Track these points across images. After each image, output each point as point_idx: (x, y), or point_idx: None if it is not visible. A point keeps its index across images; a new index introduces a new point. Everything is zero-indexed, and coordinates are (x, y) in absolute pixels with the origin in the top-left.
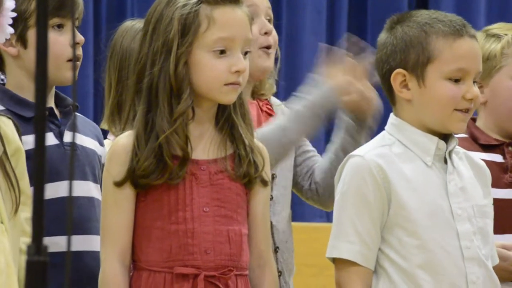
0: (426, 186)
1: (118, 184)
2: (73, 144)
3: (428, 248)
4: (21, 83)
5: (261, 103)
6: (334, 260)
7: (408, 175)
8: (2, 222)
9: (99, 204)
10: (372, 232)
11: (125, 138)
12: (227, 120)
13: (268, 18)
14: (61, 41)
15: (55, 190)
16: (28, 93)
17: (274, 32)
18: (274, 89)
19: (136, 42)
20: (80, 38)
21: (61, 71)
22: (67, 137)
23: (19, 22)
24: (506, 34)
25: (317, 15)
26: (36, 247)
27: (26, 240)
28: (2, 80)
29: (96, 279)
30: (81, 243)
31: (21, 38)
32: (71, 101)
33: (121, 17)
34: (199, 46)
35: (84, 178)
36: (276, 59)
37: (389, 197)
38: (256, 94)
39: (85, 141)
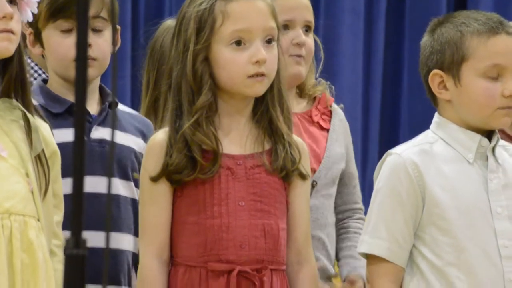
0: (464, 184)
1: (154, 180)
2: (112, 144)
3: (462, 246)
4: (51, 79)
5: (315, 111)
6: (366, 256)
7: (447, 173)
8: (39, 220)
9: (125, 201)
10: (404, 230)
11: (161, 134)
12: (265, 113)
13: (306, 28)
14: (65, 43)
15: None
16: (56, 89)
17: (308, 43)
18: (323, 88)
19: None
20: (92, 40)
21: (69, 71)
22: (96, 133)
23: (32, 25)
24: None
25: (355, 17)
26: (75, 241)
27: (56, 242)
28: (47, 76)
29: (114, 276)
30: (101, 240)
31: (39, 40)
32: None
33: (159, 17)
34: (217, 41)
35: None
36: (318, 61)
37: (423, 195)
38: (304, 94)
39: (118, 136)
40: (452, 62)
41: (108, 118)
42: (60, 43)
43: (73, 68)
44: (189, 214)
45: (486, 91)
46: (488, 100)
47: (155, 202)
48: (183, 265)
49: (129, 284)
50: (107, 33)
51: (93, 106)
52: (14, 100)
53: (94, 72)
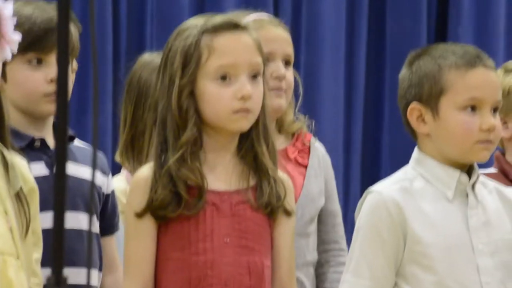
0: (445, 221)
1: (139, 215)
2: (92, 184)
3: (445, 284)
4: (11, 114)
5: (292, 149)
6: None
7: (427, 211)
8: (18, 258)
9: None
10: (385, 268)
11: (146, 170)
12: (250, 149)
13: (285, 60)
14: (35, 77)
15: (43, 220)
16: (14, 123)
17: (288, 76)
18: (302, 124)
19: (154, 76)
20: (53, 75)
21: (38, 106)
22: None
23: None
24: None
25: (336, 50)
26: (56, 279)
27: (35, 280)
28: None
29: None
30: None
31: (2, 72)
32: (71, 132)
33: (141, 51)
34: (203, 76)
35: (74, 209)
36: (297, 96)
37: (404, 233)
38: (283, 130)
39: (80, 171)
40: (431, 95)
41: (69, 152)
42: (28, 76)
43: (43, 103)
44: (174, 250)
45: (464, 125)
46: (466, 134)
47: (139, 238)
48: None
49: None
50: (70, 68)
51: (51, 141)
52: None
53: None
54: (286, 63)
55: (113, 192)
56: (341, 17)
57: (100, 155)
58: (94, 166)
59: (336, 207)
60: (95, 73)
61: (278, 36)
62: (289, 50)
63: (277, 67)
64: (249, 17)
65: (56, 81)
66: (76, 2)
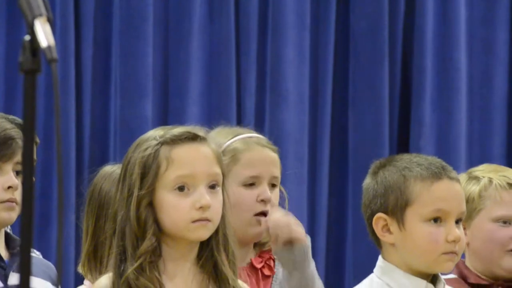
0: None
1: None
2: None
3: None
4: None
5: (258, 260)
6: None
7: None
8: None
9: None
10: None
11: (105, 280)
12: (210, 258)
13: (271, 183)
14: None
15: None
16: None
17: (273, 199)
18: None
19: (114, 188)
20: (13, 182)
21: None
22: (13, 279)
23: None
24: (484, 177)
25: (299, 163)
26: None
27: None
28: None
29: None
30: None
31: None
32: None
33: (104, 163)
34: (161, 187)
35: None
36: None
37: None
38: (258, 246)
39: (33, 282)
40: (396, 207)
41: None
42: None
43: None
44: None
45: (430, 236)
46: (432, 245)
47: None
48: None
49: None
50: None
51: (2, 252)
52: None
53: (15, 216)
54: (272, 185)
55: None
56: (304, 125)
57: (50, 265)
58: (59, 282)
59: None
60: (60, 186)
61: (266, 157)
62: (276, 172)
63: (263, 190)
64: (237, 136)
65: (22, 192)
66: (41, 114)
